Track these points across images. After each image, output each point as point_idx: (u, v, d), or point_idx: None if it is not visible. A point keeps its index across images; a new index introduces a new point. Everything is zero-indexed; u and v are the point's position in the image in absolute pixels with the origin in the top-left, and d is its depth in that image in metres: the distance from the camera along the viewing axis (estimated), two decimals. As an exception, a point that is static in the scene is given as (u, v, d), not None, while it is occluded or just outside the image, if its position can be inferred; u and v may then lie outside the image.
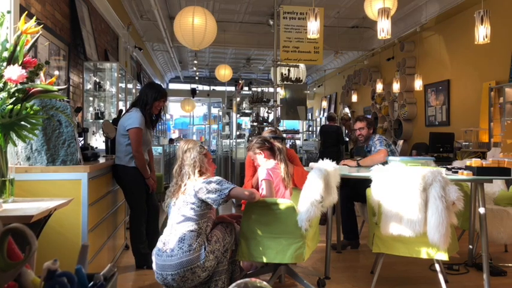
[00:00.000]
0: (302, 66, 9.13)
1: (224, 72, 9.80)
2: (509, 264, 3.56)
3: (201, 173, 2.63)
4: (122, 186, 3.47)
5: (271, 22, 7.03)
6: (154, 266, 2.50)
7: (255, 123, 7.39)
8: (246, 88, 9.14)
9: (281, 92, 9.15)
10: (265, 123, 7.16)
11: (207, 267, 2.45)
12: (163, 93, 3.46)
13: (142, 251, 3.42)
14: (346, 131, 8.97)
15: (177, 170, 2.67)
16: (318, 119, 13.82)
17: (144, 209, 3.46)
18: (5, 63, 1.81)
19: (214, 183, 2.53)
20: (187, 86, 15.15)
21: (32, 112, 1.81)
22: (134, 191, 3.41)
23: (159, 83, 13.43)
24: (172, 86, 16.43)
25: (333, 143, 7.75)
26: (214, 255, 2.49)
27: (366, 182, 2.90)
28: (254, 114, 7.70)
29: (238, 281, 1.10)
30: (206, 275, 2.48)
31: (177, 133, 19.36)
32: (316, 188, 2.66)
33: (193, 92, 14.33)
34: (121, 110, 4.80)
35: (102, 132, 4.36)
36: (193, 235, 2.46)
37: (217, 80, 10.95)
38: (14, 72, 1.75)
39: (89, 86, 5.18)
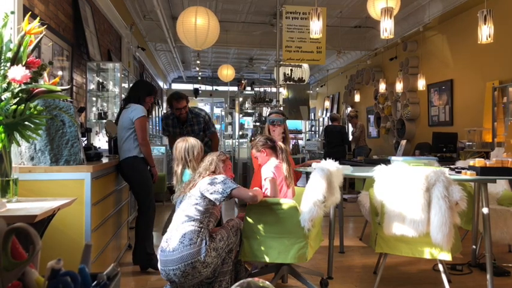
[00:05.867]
0: (305, 66, 9.13)
1: (227, 72, 9.81)
2: (513, 265, 3.55)
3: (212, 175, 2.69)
4: (132, 179, 3.45)
5: (274, 22, 7.03)
6: (159, 263, 2.54)
7: (258, 123, 7.39)
8: (248, 88, 9.16)
9: (283, 92, 9.15)
10: (267, 123, 7.16)
11: (208, 263, 2.46)
12: (155, 90, 3.76)
13: (147, 251, 3.42)
14: (352, 129, 8.98)
15: (193, 167, 2.85)
16: (321, 119, 13.80)
17: (154, 205, 3.48)
18: (8, 64, 1.81)
19: (219, 181, 2.59)
20: (189, 86, 15.15)
21: (35, 112, 1.81)
22: (144, 181, 3.42)
23: (161, 82, 13.49)
24: (175, 86, 16.45)
25: (338, 142, 7.74)
26: (217, 253, 2.51)
27: None
28: (257, 114, 7.71)
29: (241, 281, 1.10)
30: (208, 271, 2.49)
31: (179, 133, 19.34)
32: (319, 188, 2.66)
33: (195, 92, 14.32)
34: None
35: (105, 132, 4.37)
36: (194, 230, 2.50)
37: (219, 80, 10.97)
38: (18, 73, 1.75)
39: (92, 86, 5.19)
